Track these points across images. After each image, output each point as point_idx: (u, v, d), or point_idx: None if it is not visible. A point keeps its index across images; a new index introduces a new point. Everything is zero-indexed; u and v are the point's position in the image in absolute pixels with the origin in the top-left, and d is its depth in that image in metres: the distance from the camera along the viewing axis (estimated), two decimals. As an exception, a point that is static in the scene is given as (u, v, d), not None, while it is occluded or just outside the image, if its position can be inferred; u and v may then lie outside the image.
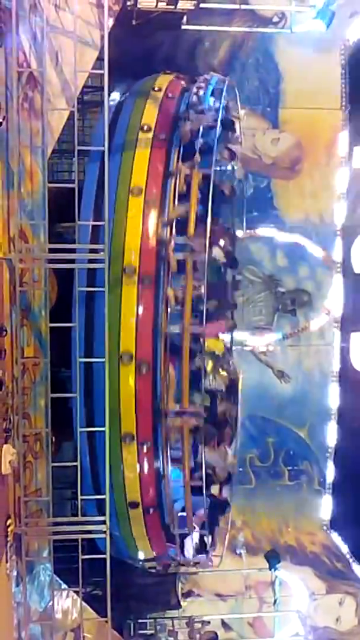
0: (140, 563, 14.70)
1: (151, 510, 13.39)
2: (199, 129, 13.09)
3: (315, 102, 17.47)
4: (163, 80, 14.18)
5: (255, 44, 16.93)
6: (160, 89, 13.88)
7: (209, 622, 16.58)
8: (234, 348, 16.92)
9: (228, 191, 13.91)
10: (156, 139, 13.27)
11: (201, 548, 13.99)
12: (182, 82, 14.35)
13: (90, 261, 12.64)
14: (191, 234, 12.70)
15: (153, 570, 15.36)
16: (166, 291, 12.78)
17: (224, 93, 13.80)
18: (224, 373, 15.08)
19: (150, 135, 13.27)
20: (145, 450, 12.98)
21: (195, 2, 14.74)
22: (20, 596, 12.79)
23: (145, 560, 14.58)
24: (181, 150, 13.17)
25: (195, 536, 13.79)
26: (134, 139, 13.32)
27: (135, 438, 12.93)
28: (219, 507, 14.30)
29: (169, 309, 12.74)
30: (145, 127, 13.31)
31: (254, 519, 17.95)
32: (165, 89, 13.92)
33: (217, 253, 13.34)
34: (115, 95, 14.15)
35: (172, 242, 12.79)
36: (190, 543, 13.77)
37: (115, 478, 13.07)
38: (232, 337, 15.80)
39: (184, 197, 12.96)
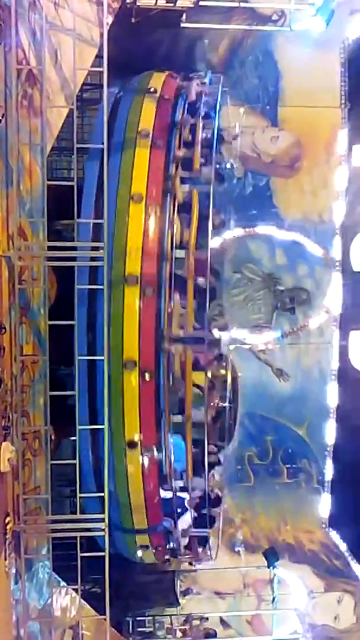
0: (138, 554, 14.64)
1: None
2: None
3: (314, 100, 17.45)
4: (158, 79, 14.16)
5: (254, 42, 16.91)
6: (155, 90, 13.86)
7: (207, 620, 16.62)
8: (232, 346, 16.98)
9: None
10: (155, 140, 13.30)
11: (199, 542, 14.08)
12: (177, 81, 14.36)
13: (90, 259, 12.65)
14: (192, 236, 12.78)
15: (149, 563, 15.32)
16: (168, 292, 12.84)
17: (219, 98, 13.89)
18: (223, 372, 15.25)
19: (148, 139, 13.31)
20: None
21: (194, 0, 14.73)
22: (19, 594, 12.79)
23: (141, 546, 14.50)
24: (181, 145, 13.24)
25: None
26: (133, 137, 13.32)
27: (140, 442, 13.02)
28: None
29: (169, 310, 12.78)
30: (143, 132, 13.35)
31: (253, 516, 17.97)
32: (161, 89, 13.96)
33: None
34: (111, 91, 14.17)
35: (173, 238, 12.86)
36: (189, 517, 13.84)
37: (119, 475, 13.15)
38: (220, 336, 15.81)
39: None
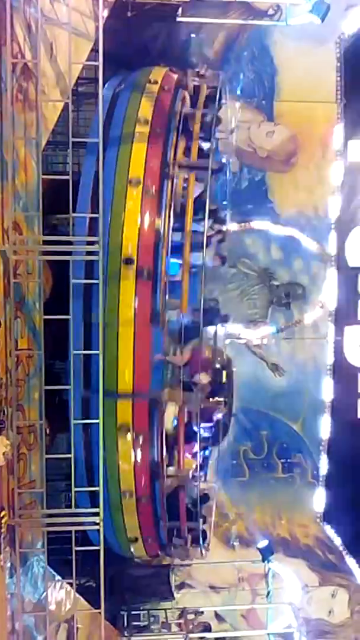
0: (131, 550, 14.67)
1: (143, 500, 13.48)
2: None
3: (310, 95, 17.43)
4: (158, 73, 14.16)
5: (250, 37, 16.90)
6: (156, 82, 13.86)
7: (202, 614, 16.67)
8: (228, 341, 17.00)
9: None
10: (153, 132, 13.26)
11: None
12: (177, 76, 14.35)
13: (86, 253, 12.65)
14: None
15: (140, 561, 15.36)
16: (164, 285, 12.83)
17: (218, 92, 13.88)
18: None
19: (147, 128, 13.25)
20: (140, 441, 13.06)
21: (190, -6, 14.73)
22: (14, 587, 12.82)
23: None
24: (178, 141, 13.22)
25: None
26: (131, 131, 13.30)
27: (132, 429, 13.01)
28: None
29: (166, 297, 12.78)
30: (142, 120, 13.29)
31: (248, 511, 18.00)
32: (161, 82, 13.92)
33: None
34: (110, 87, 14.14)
35: (170, 235, 12.86)
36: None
37: (110, 469, 13.15)
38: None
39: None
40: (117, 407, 12.93)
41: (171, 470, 13.49)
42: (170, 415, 13.38)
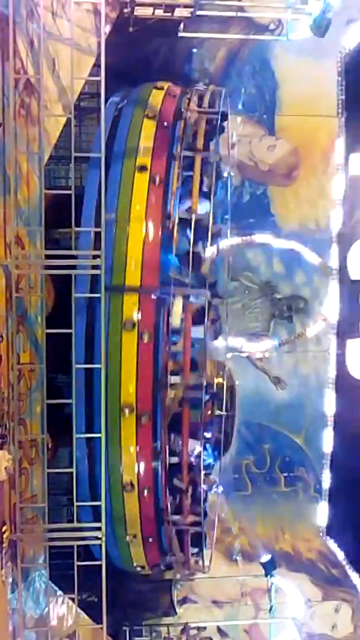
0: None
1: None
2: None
3: (311, 109, 17.50)
4: (157, 97, 14.15)
5: (251, 52, 16.98)
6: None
7: (204, 629, 16.57)
8: (230, 355, 16.99)
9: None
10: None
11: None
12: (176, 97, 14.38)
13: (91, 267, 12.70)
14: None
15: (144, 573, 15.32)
16: (167, 301, 12.89)
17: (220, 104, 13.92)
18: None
19: (149, 158, 13.36)
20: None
21: (191, 9, 14.79)
22: (16, 603, 12.77)
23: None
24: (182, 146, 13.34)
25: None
26: (134, 146, 13.37)
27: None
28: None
29: (170, 318, 12.82)
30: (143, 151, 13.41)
31: (250, 525, 17.93)
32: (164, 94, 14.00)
33: None
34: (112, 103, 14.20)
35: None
36: None
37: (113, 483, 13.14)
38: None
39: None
40: (123, 302, 12.92)
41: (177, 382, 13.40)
42: (177, 312, 13.29)
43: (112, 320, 12.89)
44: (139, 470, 13.19)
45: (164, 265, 13.01)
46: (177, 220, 13.02)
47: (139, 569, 14.48)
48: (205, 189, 13.57)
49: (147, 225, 13.01)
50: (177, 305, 13.12)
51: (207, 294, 13.29)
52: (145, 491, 13.24)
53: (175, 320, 13.12)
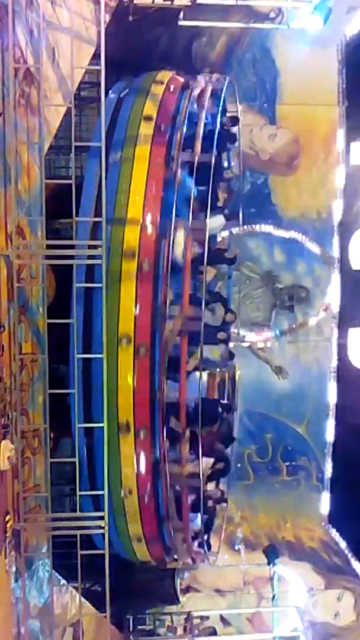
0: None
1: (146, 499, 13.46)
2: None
3: (312, 98, 17.47)
4: (164, 76, 14.20)
5: (252, 40, 16.92)
6: (162, 82, 13.87)
7: (207, 618, 16.62)
8: (232, 344, 16.97)
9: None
10: (157, 131, 13.33)
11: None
12: (182, 79, 14.40)
13: (88, 257, 12.66)
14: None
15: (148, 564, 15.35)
16: (165, 287, 12.83)
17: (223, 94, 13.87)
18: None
19: (151, 126, 13.31)
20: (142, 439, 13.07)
21: (192, -3, 14.76)
22: (19, 592, 12.79)
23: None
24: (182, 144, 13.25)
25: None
26: (134, 134, 13.34)
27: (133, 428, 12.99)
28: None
29: (167, 302, 12.78)
30: (146, 118, 13.38)
31: (253, 514, 17.98)
32: (167, 83, 13.96)
33: None
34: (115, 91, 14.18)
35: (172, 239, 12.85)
36: None
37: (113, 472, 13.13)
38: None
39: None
40: (124, 234, 12.91)
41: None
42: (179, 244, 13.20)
43: (113, 252, 12.86)
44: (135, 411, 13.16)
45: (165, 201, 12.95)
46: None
47: (135, 542, 14.34)
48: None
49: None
50: (179, 237, 13.02)
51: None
52: (142, 433, 13.17)
53: (178, 250, 13.01)
